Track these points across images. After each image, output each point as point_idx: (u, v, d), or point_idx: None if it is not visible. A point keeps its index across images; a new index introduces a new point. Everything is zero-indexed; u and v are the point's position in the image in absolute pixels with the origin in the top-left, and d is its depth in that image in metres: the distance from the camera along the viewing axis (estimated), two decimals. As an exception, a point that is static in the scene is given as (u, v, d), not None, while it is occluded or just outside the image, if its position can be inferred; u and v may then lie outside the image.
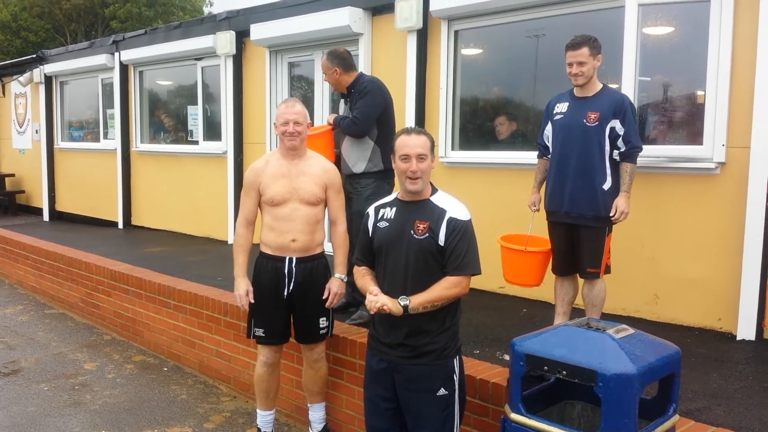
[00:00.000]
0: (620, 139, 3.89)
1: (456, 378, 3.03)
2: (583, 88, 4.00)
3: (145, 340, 6.08)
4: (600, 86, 4.01)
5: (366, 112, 4.51)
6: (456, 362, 3.05)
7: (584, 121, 3.92)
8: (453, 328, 3.04)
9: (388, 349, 3.05)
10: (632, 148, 3.91)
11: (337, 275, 3.91)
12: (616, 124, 3.89)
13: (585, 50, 3.89)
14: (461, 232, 2.94)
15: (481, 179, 5.94)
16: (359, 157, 4.60)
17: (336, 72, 4.64)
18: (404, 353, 3.00)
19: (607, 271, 4.09)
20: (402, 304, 2.90)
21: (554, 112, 4.12)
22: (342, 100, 4.84)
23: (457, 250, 2.93)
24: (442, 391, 2.98)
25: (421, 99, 6.32)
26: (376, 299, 2.94)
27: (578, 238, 4.02)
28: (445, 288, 2.93)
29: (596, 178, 3.92)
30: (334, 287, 3.88)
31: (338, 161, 4.72)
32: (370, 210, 3.21)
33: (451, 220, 2.95)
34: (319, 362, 4.02)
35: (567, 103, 4.06)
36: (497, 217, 5.41)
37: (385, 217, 3.09)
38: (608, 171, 3.93)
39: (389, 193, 4.45)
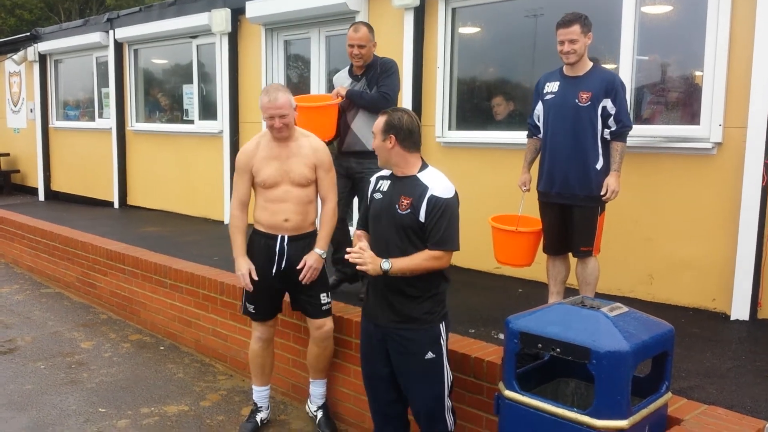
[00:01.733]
0: (611, 118, 3.89)
1: (443, 342, 3.17)
2: (573, 67, 3.97)
3: (142, 320, 6.09)
4: (590, 65, 3.99)
5: (395, 89, 4.60)
6: (442, 327, 3.18)
7: (576, 101, 3.91)
8: (438, 296, 3.17)
9: (378, 312, 3.21)
10: (623, 127, 3.91)
11: (316, 249, 3.89)
12: (607, 103, 3.88)
13: (576, 28, 3.86)
14: (441, 209, 3.04)
15: (477, 159, 5.92)
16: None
17: (374, 46, 4.63)
18: (392, 317, 3.16)
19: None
20: (383, 267, 3.05)
21: (545, 91, 4.10)
22: (350, 78, 4.72)
23: (437, 227, 3.04)
24: (429, 355, 3.12)
25: (418, 78, 6.28)
26: (360, 254, 3.08)
27: (571, 217, 4.02)
28: (425, 260, 3.06)
29: (589, 157, 3.92)
30: (310, 260, 3.85)
31: (340, 136, 4.67)
32: (372, 178, 3.36)
33: (432, 198, 3.05)
34: (326, 341, 4.03)
35: (558, 83, 4.04)
36: (494, 197, 5.40)
37: (380, 188, 3.25)
38: (600, 150, 3.93)
39: None
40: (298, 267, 3.85)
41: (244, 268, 3.87)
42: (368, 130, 4.57)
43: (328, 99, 4.67)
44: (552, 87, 4.05)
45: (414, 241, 3.08)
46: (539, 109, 4.15)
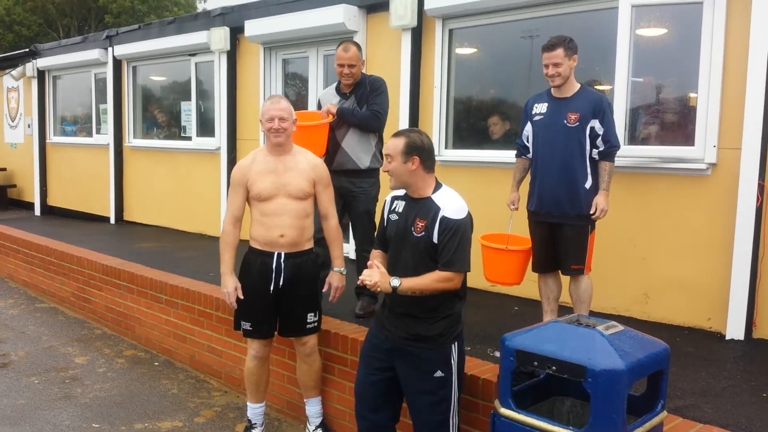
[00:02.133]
0: (599, 138, 3.93)
1: (454, 362, 3.18)
2: (560, 89, 4.02)
3: (137, 335, 6.07)
4: (578, 86, 4.03)
5: (385, 108, 4.59)
6: (455, 347, 3.19)
7: (565, 121, 3.95)
8: (452, 316, 3.18)
9: (392, 328, 3.22)
10: (611, 147, 3.95)
11: (336, 269, 3.93)
12: (595, 123, 3.92)
13: (560, 51, 3.91)
14: (452, 230, 3.06)
15: (474, 178, 5.95)
16: (364, 151, 4.60)
17: (362, 64, 4.62)
18: (405, 335, 3.17)
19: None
20: (393, 285, 3.05)
21: (533, 112, 4.14)
22: (337, 96, 4.71)
23: (447, 247, 3.05)
24: (439, 373, 3.14)
25: (415, 97, 6.34)
26: (370, 274, 3.08)
27: (561, 236, 4.04)
28: (435, 280, 3.06)
29: (578, 177, 3.96)
30: (335, 281, 3.91)
31: (329, 154, 4.66)
32: (387, 198, 3.38)
33: (443, 219, 3.07)
34: (312, 356, 4.03)
35: (546, 104, 4.08)
36: (490, 215, 5.40)
37: (396, 209, 3.27)
38: (588, 170, 3.97)
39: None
40: (323, 290, 3.86)
41: (231, 286, 3.86)
42: (360, 149, 4.58)
43: (317, 116, 4.65)
44: (540, 108, 4.10)
45: (428, 264, 3.09)
46: (528, 129, 4.20)
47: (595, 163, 3.99)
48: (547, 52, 3.95)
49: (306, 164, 3.88)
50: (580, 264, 4.02)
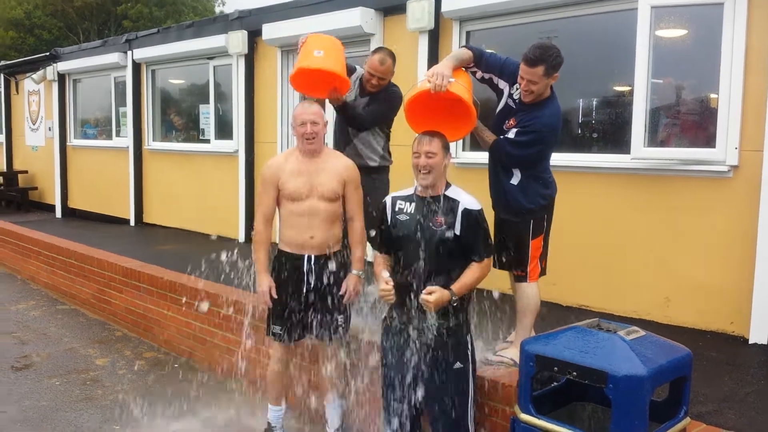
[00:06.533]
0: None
1: (470, 353, 3.32)
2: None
3: (156, 337, 6.12)
4: (543, 97, 3.67)
5: (376, 115, 4.44)
6: (470, 338, 3.34)
7: (504, 125, 3.77)
8: (467, 308, 3.36)
9: (406, 323, 3.30)
10: (504, 141, 3.65)
11: (354, 272, 3.92)
12: (513, 133, 3.65)
13: (539, 70, 3.51)
14: (477, 221, 3.25)
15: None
16: (373, 150, 4.54)
17: (391, 75, 4.46)
18: (422, 330, 3.24)
19: (542, 273, 3.83)
20: (454, 305, 3.19)
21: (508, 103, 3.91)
22: (356, 87, 4.57)
23: (478, 238, 3.25)
24: (458, 365, 3.26)
25: (432, 99, 6.32)
26: (428, 300, 3.12)
27: (502, 233, 3.79)
28: (477, 276, 3.27)
29: (500, 175, 3.74)
30: (351, 284, 3.90)
31: (337, 147, 4.58)
32: (387, 200, 3.46)
33: (465, 211, 3.24)
34: (334, 359, 4.03)
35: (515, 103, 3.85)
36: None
37: (404, 210, 3.38)
38: (514, 168, 3.70)
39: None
40: (341, 293, 3.87)
41: (265, 285, 3.87)
42: (370, 147, 4.51)
43: (336, 45, 4.43)
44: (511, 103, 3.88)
45: (447, 253, 3.23)
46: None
47: (526, 168, 3.69)
48: (527, 66, 3.54)
49: (338, 165, 3.88)
50: (522, 270, 3.73)
